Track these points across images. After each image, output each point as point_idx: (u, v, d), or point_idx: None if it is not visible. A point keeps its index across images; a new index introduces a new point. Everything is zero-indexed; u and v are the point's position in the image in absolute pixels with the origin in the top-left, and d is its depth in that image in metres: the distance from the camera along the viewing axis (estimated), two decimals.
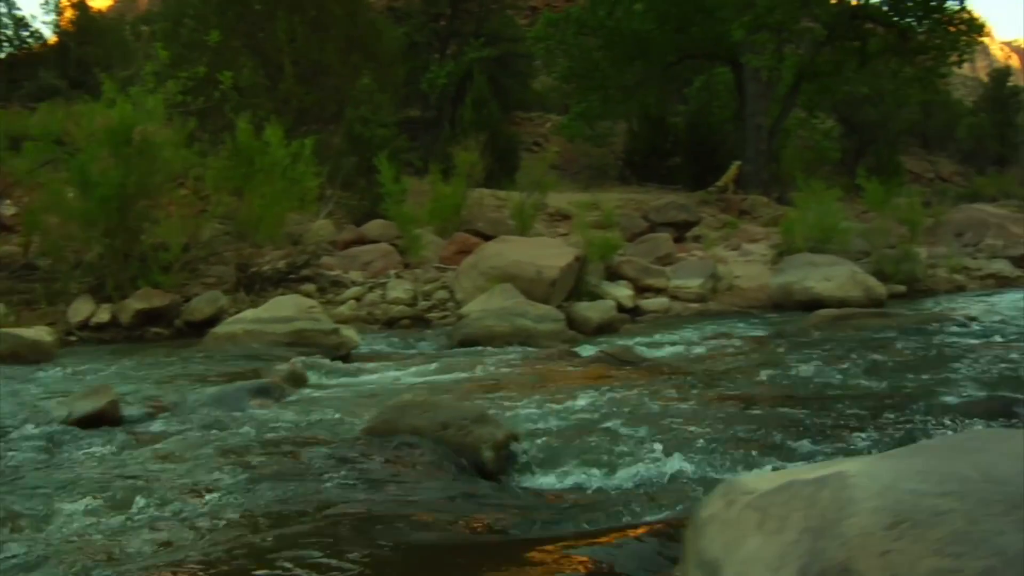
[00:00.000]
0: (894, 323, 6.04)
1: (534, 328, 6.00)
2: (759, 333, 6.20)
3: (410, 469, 2.49)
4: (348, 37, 14.89)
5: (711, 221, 13.35)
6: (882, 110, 28.79)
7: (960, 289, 9.87)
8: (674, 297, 8.56)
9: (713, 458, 2.63)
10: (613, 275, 8.70)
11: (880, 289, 8.19)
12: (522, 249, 7.63)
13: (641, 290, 8.60)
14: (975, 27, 17.84)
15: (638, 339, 6.07)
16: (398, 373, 4.62)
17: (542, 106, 26.31)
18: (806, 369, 4.33)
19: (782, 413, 3.26)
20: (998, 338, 5.47)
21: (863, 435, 2.88)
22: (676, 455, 2.63)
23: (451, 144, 13.69)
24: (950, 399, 3.39)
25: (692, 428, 2.98)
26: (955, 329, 5.78)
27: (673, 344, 5.59)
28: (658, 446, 2.71)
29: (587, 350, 5.25)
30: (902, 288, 9.21)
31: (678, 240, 11.10)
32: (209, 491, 2.24)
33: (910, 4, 17.28)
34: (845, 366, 4.38)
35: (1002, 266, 11.05)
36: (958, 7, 17.35)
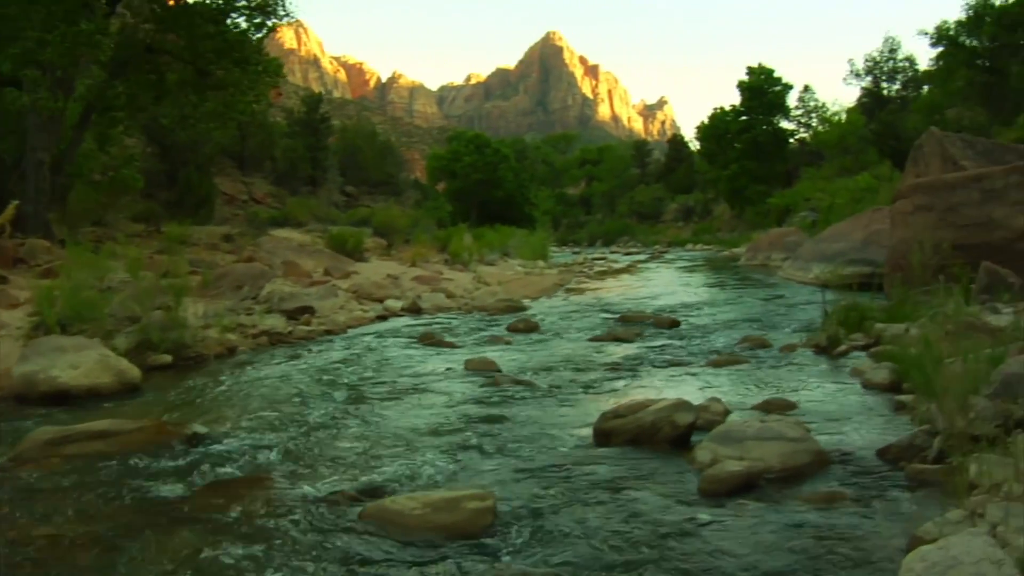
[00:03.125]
0: (117, 448, 5.08)
1: None
2: None
3: None
4: None
5: None
6: (193, 133, 28.98)
7: (232, 352, 9.29)
8: None
9: None
10: None
11: (132, 372, 7.55)
12: None
13: None
14: (273, 68, 19.17)
15: None
16: None
17: None
18: None
19: None
20: (235, 470, 4.41)
21: None
22: None
23: None
24: None
25: None
26: (176, 464, 4.60)
27: None
28: None
29: None
30: (168, 359, 8.38)
31: None
32: None
33: (208, 43, 17.54)
34: None
35: (276, 321, 10.84)
36: (255, 48, 18.26)
